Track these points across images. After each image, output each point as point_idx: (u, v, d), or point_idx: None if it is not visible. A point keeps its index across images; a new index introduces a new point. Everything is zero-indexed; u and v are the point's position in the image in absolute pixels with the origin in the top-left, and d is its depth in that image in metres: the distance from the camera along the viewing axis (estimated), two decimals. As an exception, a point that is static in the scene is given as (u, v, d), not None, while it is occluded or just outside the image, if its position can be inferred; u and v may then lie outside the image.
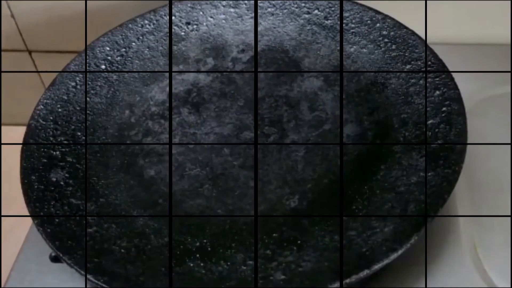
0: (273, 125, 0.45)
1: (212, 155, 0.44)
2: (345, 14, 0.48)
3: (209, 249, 0.38)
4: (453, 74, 0.42)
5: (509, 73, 0.50)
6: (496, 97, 0.49)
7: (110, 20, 0.50)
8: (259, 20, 0.50)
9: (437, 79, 0.42)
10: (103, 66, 0.48)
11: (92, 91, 0.46)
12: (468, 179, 0.43)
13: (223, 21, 0.50)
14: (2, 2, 0.57)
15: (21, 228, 0.44)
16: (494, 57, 0.52)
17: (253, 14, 0.50)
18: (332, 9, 0.48)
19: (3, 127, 0.66)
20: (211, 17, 0.50)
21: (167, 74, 0.49)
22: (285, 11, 0.50)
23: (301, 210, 0.40)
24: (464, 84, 0.41)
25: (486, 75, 0.50)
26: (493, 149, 0.45)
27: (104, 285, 0.34)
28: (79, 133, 0.44)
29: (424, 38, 0.45)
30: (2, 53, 0.61)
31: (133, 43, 0.49)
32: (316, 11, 0.49)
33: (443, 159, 0.38)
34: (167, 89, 0.48)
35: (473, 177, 0.44)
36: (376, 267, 0.33)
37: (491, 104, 0.48)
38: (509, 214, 0.41)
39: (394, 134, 0.42)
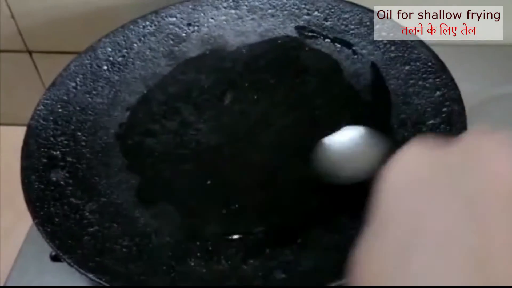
0: (270, 124, 0.45)
1: (213, 154, 0.44)
2: (345, 16, 0.48)
3: (209, 248, 0.38)
4: (453, 75, 0.42)
5: (510, 74, 0.50)
6: (497, 97, 0.49)
7: (111, 21, 0.49)
8: (260, 22, 0.50)
9: (437, 79, 0.42)
10: (105, 67, 0.48)
11: (93, 92, 0.46)
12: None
13: (224, 22, 0.50)
14: (2, 2, 0.57)
15: (21, 227, 0.44)
16: (494, 57, 0.52)
17: (253, 16, 0.50)
18: (332, 10, 0.48)
19: (3, 127, 0.66)
20: (212, 18, 0.50)
21: (168, 75, 0.49)
22: (285, 12, 0.50)
23: (302, 210, 0.40)
24: (464, 85, 0.41)
25: (486, 76, 0.50)
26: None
27: (105, 284, 0.34)
28: (79, 133, 0.44)
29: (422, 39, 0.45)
30: (2, 53, 0.61)
31: (135, 44, 0.49)
32: (316, 13, 0.49)
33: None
34: (168, 89, 0.48)
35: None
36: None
37: (492, 104, 0.48)
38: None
39: (393, 135, 0.42)
